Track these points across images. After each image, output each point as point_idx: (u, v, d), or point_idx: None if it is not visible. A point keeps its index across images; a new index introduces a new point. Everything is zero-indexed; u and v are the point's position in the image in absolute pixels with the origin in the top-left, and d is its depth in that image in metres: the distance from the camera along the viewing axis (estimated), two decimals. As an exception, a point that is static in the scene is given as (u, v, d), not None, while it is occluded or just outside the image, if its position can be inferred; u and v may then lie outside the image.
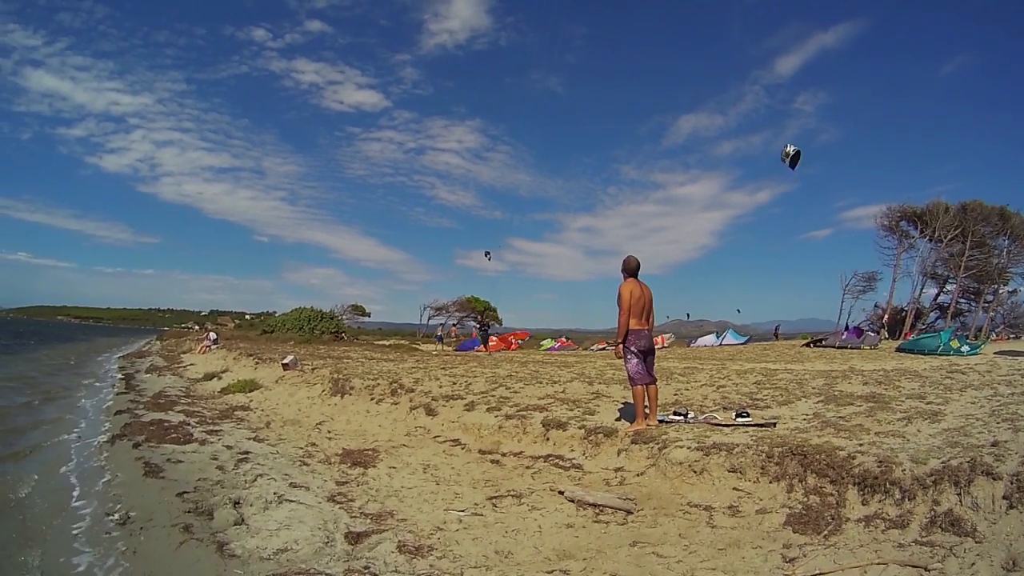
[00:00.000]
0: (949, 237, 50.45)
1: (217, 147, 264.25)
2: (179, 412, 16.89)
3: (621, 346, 10.72)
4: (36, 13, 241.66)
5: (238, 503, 8.46)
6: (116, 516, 8.44)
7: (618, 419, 11.88)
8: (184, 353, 42.49)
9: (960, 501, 6.30)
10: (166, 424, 14.54)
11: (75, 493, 9.87)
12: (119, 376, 29.74)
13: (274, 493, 8.85)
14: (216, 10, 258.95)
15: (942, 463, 6.92)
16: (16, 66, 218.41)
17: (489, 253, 51.99)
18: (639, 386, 10.71)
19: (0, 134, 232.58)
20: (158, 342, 66.00)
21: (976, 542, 5.71)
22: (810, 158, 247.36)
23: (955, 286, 53.34)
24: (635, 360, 10.67)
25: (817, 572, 5.75)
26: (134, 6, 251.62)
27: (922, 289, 53.17)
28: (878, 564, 5.69)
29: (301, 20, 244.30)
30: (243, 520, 7.90)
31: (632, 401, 11.06)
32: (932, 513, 6.32)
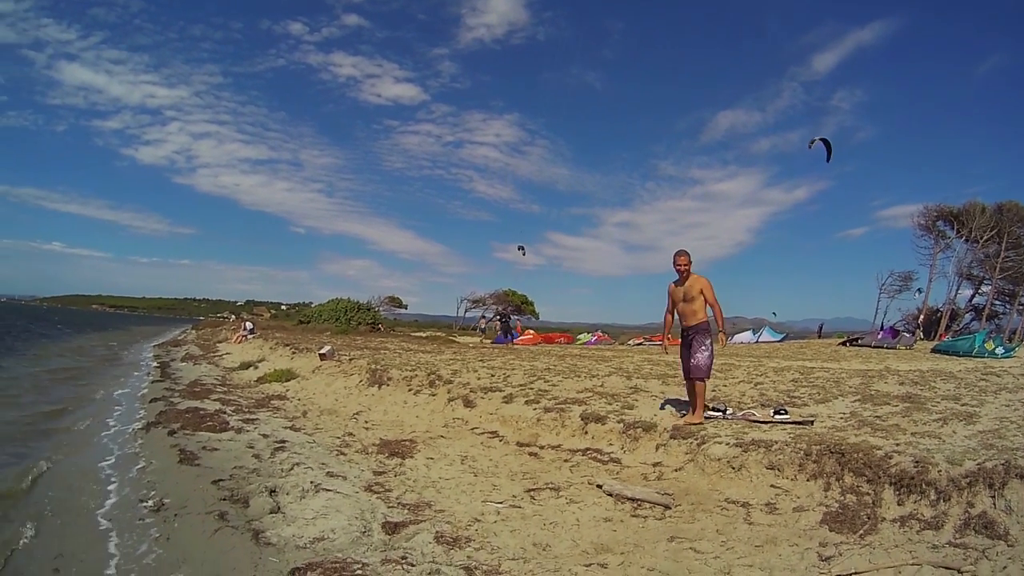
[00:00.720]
0: (985, 238, 49.51)
1: (254, 139, 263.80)
2: (215, 400, 16.94)
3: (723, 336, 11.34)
4: (70, 8, 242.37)
5: (274, 491, 8.45)
6: (150, 503, 8.46)
7: (660, 409, 11.76)
8: (220, 342, 42.75)
9: (994, 504, 6.20)
10: (201, 412, 14.57)
11: (109, 480, 9.91)
12: (154, 364, 29.91)
13: (311, 482, 8.81)
14: (253, 4, 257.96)
15: (977, 465, 6.79)
16: (50, 60, 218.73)
17: (523, 247, 51.77)
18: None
19: (35, 127, 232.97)
20: (193, 331, 66.05)
21: (1008, 545, 5.62)
22: (847, 156, 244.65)
23: (990, 288, 52.47)
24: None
25: (853, 571, 5.67)
26: (169, 1, 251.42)
27: (957, 290, 52.31)
28: (912, 565, 5.58)
29: (338, 14, 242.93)
30: (279, 508, 7.90)
31: (692, 395, 11.02)
32: (966, 515, 6.23)
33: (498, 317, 41.52)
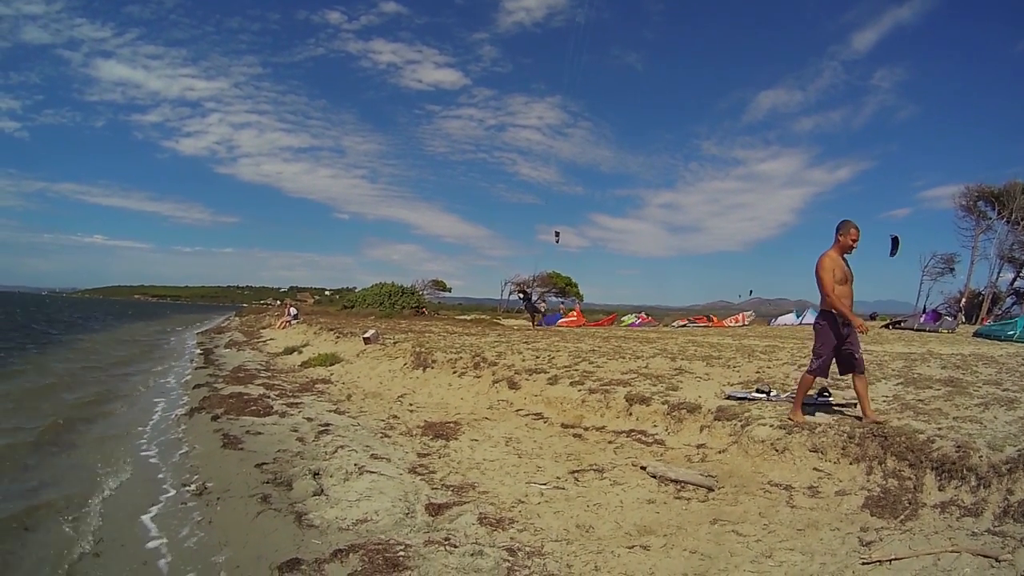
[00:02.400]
0: (1025, 219, 48.58)
1: (296, 128, 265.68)
2: (258, 385, 17.17)
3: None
4: (103, 7, 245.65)
5: (318, 474, 8.52)
6: (193, 487, 8.61)
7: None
8: (264, 328, 43.35)
9: None
10: (245, 397, 14.78)
11: (152, 464, 10.13)
12: (198, 351, 30.40)
13: (354, 464, 8.89)
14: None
15: (1017, 451, 6.70)
16: (86, 58, 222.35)
17: (559, 233, 51.60)
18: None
19: (72, 124, 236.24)
20: (237, 318, 67.46)
21: None
22: (889, 135, 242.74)
23: (1031, 270, 51.79)
24: None
25: (892, 557, 5.64)
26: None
27: (999, 273, 51.23)
28: (951, 552, 5.47)
29: (376, 2, 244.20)
30: (323, 491, 7.96)
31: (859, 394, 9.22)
32: (1006, 502, 6.14)
33: (520, 295, 39.66)
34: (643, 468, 8.86)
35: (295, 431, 11.37)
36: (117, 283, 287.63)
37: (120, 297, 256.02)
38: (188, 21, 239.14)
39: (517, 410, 13.26)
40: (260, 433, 11.28)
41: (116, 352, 29.75)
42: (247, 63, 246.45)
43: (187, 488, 8.61)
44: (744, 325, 44.16)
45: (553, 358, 16.96)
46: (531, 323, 36.98)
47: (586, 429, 11.41)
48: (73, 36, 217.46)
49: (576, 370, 14.83)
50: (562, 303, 69.71)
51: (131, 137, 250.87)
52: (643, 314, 51.82)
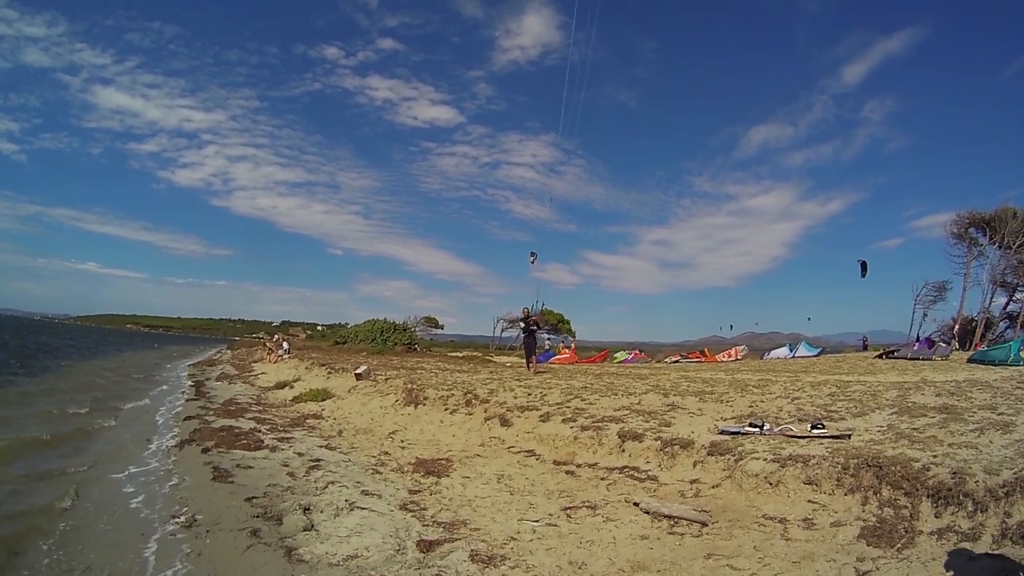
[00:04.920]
0: (1018, 243, 48.44)
1: (291, 162, 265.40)
2: (250, 419, 17.15)
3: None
4: (104, 33, 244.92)
5: (308, 509, 8.48)
6: (182, 519, 8.54)
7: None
8: (255, 362, 43.32)
9: None
10: (236, 430, 14.75)
11: (141, 496, 10.01)
12: (189, 383, 30.41)
13: (345, 500, 8.86)
14: (288, 29, 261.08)
15: (1014, 474, 6.74)
16: (85, 83, 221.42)
17: (534, 254, 51.51)
18: None
19: (69, 149, 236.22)
20: (229, 351, 67.34)
21: None
22: (879, 167, 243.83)
23: (1024, 294, 52.06)
24: None
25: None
26: (204, 26, 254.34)
27: (992, 298, 51.56)
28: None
29: (373, 38, 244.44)
30: (313, 526, 7.92)
31: None
32: (1003, 525, 6.18)
33: (521, 324, 30.19)
34: (636, 504, 8.83)
35: (286, 466, 11.35)
36: (110, 311, 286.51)
37: (112, 326, 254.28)
38: (187, 52, 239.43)
39: (509, 447, 13.20)
40: (251, 467, 11.25)
41: (108, 381, 29.56)
42: (244, 96, 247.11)
43: (176, 520, 8.55)
44: (737, 360, 43.74)
45: (545, 395, 16.91)
46: (525, 362, 30.11)
47: (579, 466, 11.37)
48: (73, 61, 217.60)
49: (568, 407, 14.81)
50: (548, 339, 70.01)
51: (128, 166, 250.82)
52: (636, 351, 51.78)
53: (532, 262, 52.83)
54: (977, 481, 6.89)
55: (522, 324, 29.13)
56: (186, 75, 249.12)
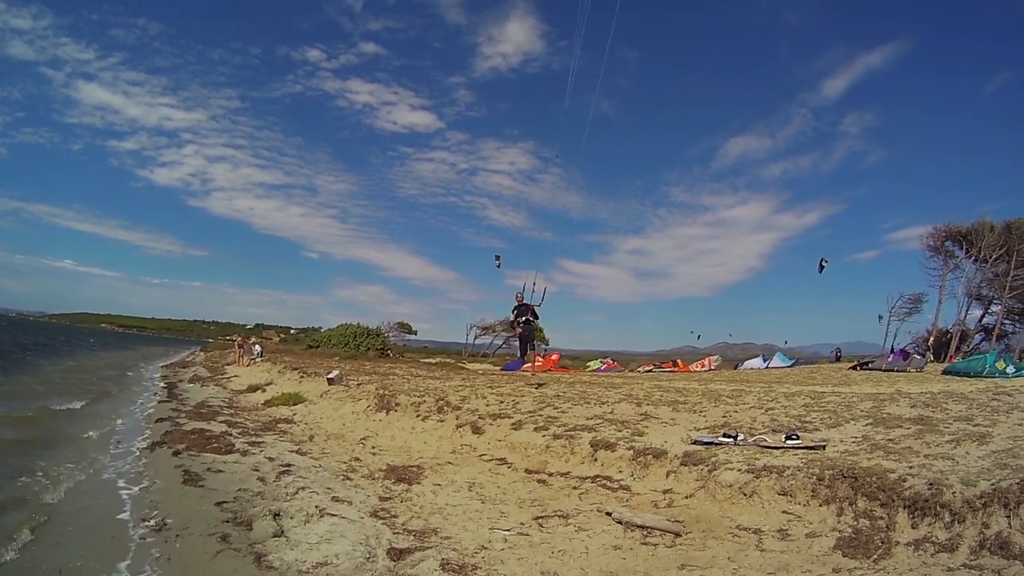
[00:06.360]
0: (994, 257, 49.19)
1: (270, 164, 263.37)
2: (221, 422, 17.03)
3: None
4: (89, 28, 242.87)
5: (278, 515, 8.42)
6: (152, 522, 8.47)
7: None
8: (228, 365, 43.12)
9: (1009, 523, 6.21)
10: (207, 434, 14.66)
11: (111, 498, 9.92)
12: (161, 385, 30.18)
13: (315, 506, 8.79)
14: (271, 30, 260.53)
15: (992, 485, 6.80)
16: (68, 78, 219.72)
17: (499, 258, 51.30)
18: None
19: (51, 144, 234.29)
20: (202, 353, 66.99)
21: None
22: (857, 180, 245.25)
23: (1000, 307, 52.18)
24: None
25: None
26: (188, 24, 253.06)
27: (967, 311, 52.08)
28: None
29: (356, 42, 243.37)
30: (283, 532, 7.87)
31: None
32: (981, 536, 6.24)
33: (514, 312, 21.79)
34: (608, 514, 8.82)
35: (256, 470, 11.28)
36: (85, 310, 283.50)
37: (87, 325, 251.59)
38: (170, 49, 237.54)
39: (481, 455, 13.19)
40: (221, 471, 11.17)
41: (81, 381, 29.06)
42: (226, 96, 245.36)
43: (146, 523, 8.49)
44: (710, 370, 44.09)
45: (517, 403, 16.91)
46: (530, 364, 26.43)
47: (550, 475, 11.38)
48: (57, 55, 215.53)
49: (541, 415, 14.81)
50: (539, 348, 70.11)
51: (107, 163, 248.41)
52: (609, 360, 51.82)
53: (497, 266, 52.41)
54: (954, 492, 6.94)
55: (514, 313, 22.47)
56: (168, 73, 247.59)
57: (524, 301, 21.78)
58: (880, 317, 57.12)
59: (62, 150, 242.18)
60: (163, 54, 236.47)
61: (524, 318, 22.01)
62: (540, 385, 21.92)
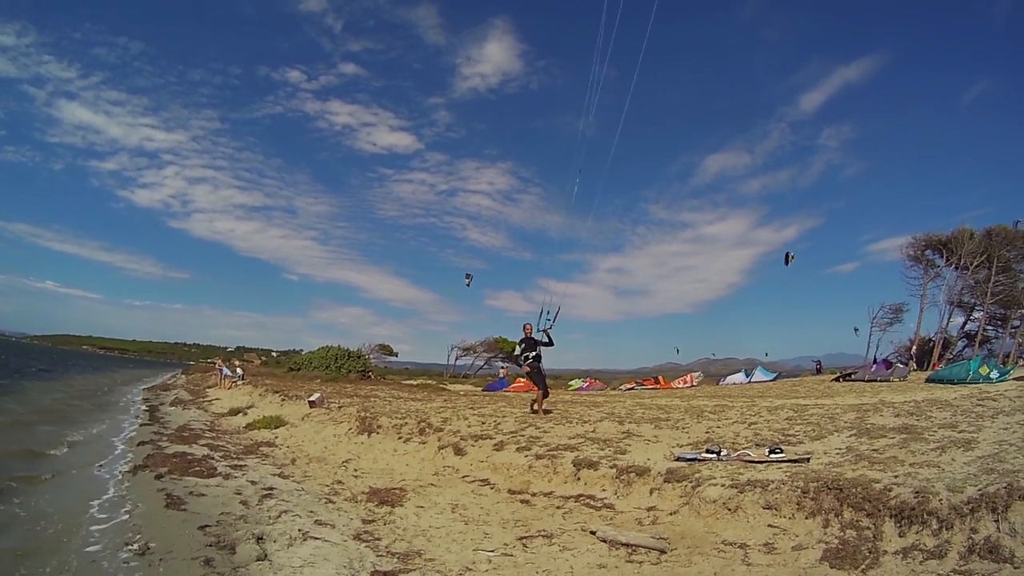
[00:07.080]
0: (975, 264, 49.56)
1: (250, 186, 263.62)
2: (203, 446, 16.99)
3: None
4: (71, 46, 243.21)
5: (261, 539, 8.39)
6: (135, 546, 8.38)
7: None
8: (210, 387, 42.95)
9: (998, 527, 6.24)
10: (189, 457, 14.60)
11: (94, 522, 9.80)
12: (143, 408, 30.01)
13: (299, 530, 8.76)
14: (252, 51, 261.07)
15: (979, 490, 6.84)
16: (50, 97, 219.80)
17: (470, 276, 51.16)
18: None
19: (32, 164, 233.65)
20: (183, 376, 66.57)
21: (1015, 568, 5.67)
22: (835, 192, 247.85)
23: (982, 313, 52.32)
24: None
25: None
26: (169, 44, 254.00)
27: (949, 318, 52.26)
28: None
29: (336, 63, 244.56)
30: (266, 556, 7.82)
31: None
32: (970, 541, 6.27)
33: (520, 346, 18.32)
34: (593, 533, 8.82)
35: (239, 494, 11.24)
36: (66, 331, 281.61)
37: (69, 346, 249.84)
38: (151, 69, 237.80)
39: (463, 476, 13.17)
40: (204, 495, 11.12)
41: (62, 403, 28.89)
42: (206, 117, 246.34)
43: (129, 547, 8.39)
44: (692, 386, 44.33)
45: (499, 424, 16.92)
46: (539, 393, 19.91)
47: (534, 495, 11.38)
48: (40, 73, 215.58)
49: (523, 435, 14.78)
50: (503, 367, 70.58)
51: (88, 183, 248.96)
52: (591, 379, 51.91)
53: (467, 284, 52.04)
54: (941, 499, 6.97)
55: (520, 346, 19.57)
56: (149, 93, 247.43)
57: (532, 334, 18.98)
58: (856, 330, 57.82)
59: (43, 169, 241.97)
60: (144, 73, 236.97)
61: (530, 356, 19.17)
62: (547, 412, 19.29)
